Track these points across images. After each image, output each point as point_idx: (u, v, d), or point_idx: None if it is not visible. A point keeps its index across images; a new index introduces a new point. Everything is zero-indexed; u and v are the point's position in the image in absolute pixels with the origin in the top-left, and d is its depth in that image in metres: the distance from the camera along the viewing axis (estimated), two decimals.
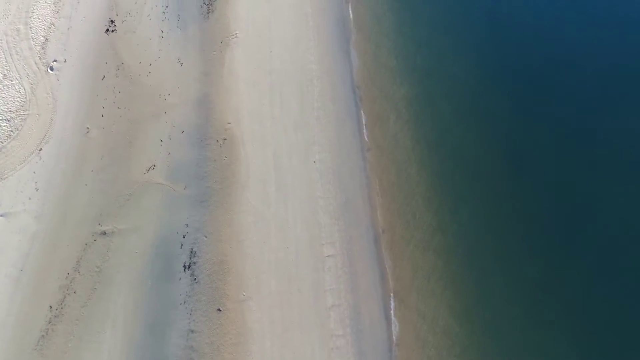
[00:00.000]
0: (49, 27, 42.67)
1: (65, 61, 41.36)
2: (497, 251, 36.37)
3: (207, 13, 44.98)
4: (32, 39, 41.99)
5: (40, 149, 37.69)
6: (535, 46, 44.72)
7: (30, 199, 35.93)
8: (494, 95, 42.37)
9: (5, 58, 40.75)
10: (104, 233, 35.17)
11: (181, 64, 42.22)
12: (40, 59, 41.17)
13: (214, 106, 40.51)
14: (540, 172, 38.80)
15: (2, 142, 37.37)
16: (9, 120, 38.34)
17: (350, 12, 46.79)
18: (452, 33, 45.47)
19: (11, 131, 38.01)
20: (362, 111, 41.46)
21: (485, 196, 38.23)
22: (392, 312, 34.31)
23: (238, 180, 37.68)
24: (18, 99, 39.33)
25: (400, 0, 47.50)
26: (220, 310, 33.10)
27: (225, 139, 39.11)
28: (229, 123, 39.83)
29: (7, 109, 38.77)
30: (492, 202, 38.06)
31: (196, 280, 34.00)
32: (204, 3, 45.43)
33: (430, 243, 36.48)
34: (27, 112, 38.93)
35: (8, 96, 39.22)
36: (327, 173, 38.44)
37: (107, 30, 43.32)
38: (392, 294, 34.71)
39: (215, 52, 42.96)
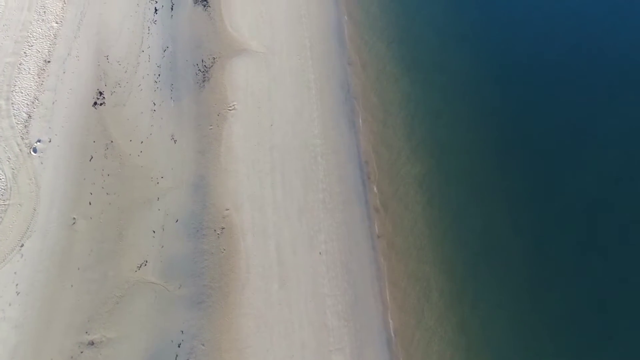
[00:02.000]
0: (33, 102, 39.62)
1: (50, 141, 38.31)
2: (525, 349, 33.53)
3: (203, 82, 41.98)
4: (14, 116, 38.95)
5: (22, 245, 34.60)
6: (561, 114, 41.89)
7: (10, 304, 32.82)
8: (512, 171, 39.50)
9: None
10: (92, 343, 32.08)
11: (175, 141, 39.22)
12: (22, 139, 38.11)
13: (211, 190, 37.51)
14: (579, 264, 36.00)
15: None
16: None
17: (355, 76, 43.82)
18: (466, 100, 42.48)
19: None
20: (370, 192, 38.48)
21: (508, 287, 35.38)
22: None
23: (238, 277, 34.66)
24: None
25: (408, 62, 44.47)
26: None
27: (224, 229, 36.09)
28: (227, 209, 36.82)
29: None
30: (515, 293, 35.23)
31: None
32: (199, 70, 42.44)
33: (450, 345, 33.52)
34: (7, 202, 35.85)
35: None
36: (335, 266, 35.46)
37: (95, 103, 40.28)
38: None
39: (211, 127, 39.98)
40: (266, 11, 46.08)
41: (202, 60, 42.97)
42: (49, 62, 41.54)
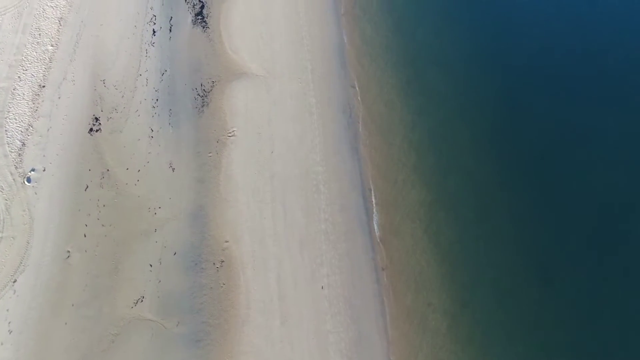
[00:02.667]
0: (27, 130, 38.56)
1: (44, 170, 37.25)
2: None
3: (202, 106, 40.95)
4: (8, 144, 37.88)
5: (15, 280, 33.52)
6: (566, 133, 40.83)
7: (2, 344, 31.72)
8: (515, 195, 38.41)
9: None
10: None
11: (173, 169, 38.16)
12: (16, 168, 37.05)
13: (210, 220, 36.45)
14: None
15: None
16: None
17: (357, 100, 42.76)
18: (469, 122, 41.39)
19: None
20: (374, 222, 37.43)
21: (514, 325, 34.30)
22: None
23: (237, 312, 33.57)
24: None
25: (410, 83, 43.39)
26: None
27: (223, 262, 35.03)
28: (226, 241, 35.76)
29: None
30: (523, 330, 34.21)
31: None
32: (198, 95, 41.40)
33: None
34: (0, 235, 34.75)
35: None
36: (337, 301, 34.40)
37: (91, 129, 39.23)
38: None
39: (210, 154, 38.93)
40: (266, 32, 45.09)
41: (201, 84, 41.94)
42: (43, 86, 40.50)
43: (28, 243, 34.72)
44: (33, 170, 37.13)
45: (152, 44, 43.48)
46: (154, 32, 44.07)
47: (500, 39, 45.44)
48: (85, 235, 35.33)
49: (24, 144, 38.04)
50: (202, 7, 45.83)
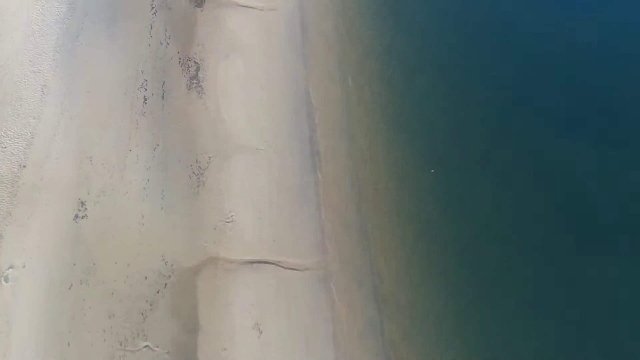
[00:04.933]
0: (5, 219, 35.21)
1: (24, 266, 33.92)
2: None
3: (197, 186, 37.55)
4: None
5: None
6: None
7: None
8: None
9: None
10: None
11: (166, 262, 34.81)
12: None
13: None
14: None
15: None
16: None
17: (365, 173, 39.45)
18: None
19: None
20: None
21: None
22: None
23: None
24: None
25: (423, 152, 39.98)
26: None
27: None
28: (224, 349, 32.52)
29: None
30: None
31: None
32: (193, 173, 37.98)
33: None
34: None
35: None
36: None
37: (76, 216, 35.85)
38: None
39: (207, 245, 35.58)
40: (267, 98, 41.59)
41: (197, 160, 38.53)
42: (24, 166, 37.10)
43: (5, 356, 31.43)
44: (11, 267, 33.81)
45: (143, 113, 39.99)
46: (145, 99, 40.56)
47: (525, 128, 41.10)
48: (69, 344, 32.04)
49: (1, 236, 34.69)
50: (198, 69, 42.31)
